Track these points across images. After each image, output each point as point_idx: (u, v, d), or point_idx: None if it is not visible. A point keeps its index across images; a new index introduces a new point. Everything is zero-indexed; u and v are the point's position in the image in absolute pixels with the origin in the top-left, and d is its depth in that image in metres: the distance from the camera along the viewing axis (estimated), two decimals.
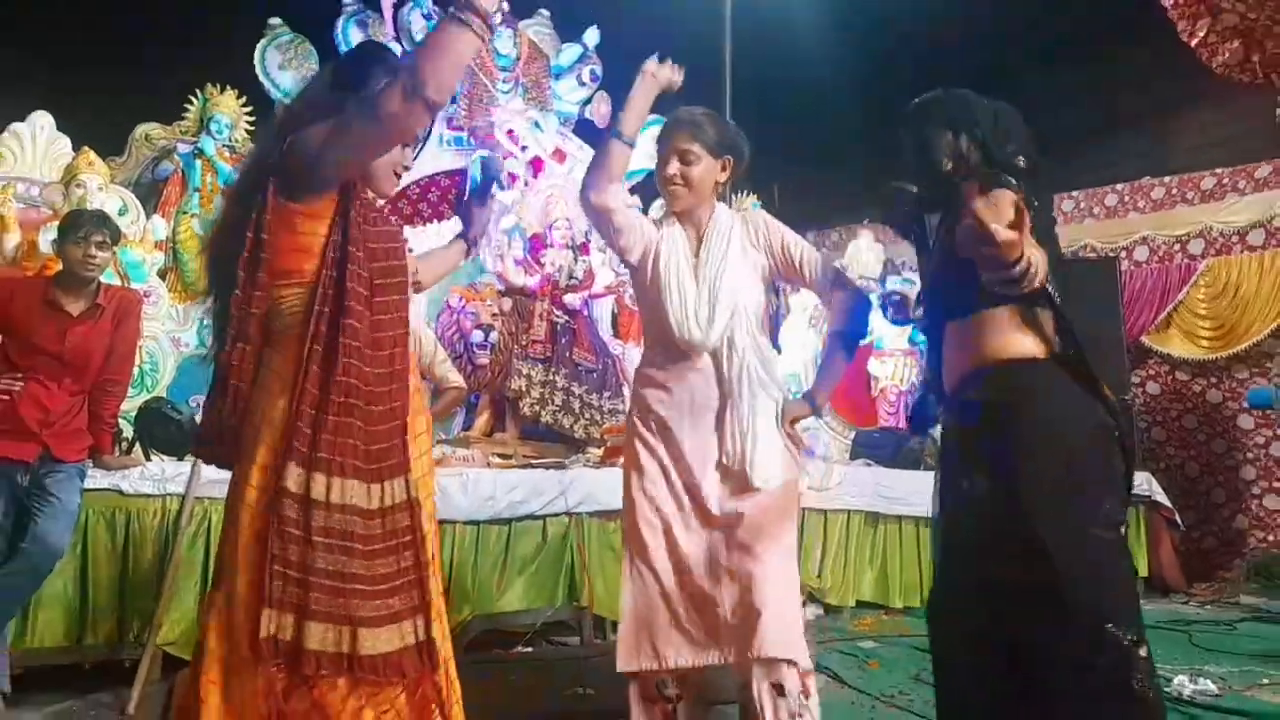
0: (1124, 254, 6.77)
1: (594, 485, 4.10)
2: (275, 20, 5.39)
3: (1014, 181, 1.66)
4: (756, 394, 2.23)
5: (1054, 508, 1.58)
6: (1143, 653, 1.55)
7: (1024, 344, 1.73)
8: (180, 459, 3.60)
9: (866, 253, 6.31)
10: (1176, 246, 6.64)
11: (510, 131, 5.87)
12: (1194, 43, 4.49)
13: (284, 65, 5.41)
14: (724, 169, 2.30)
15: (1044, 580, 1.53)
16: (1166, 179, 6.72)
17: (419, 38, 5.98)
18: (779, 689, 2.11)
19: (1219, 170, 6.48)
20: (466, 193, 5.50)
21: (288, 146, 1.65)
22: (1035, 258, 1.51)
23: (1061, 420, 1.66)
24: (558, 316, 5.30)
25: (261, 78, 5.36)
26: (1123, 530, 1.68)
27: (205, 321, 4.47)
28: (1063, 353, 1.71)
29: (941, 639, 1.80)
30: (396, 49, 5.90)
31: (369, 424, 1.63)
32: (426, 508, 1.74)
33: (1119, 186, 6.89)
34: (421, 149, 1.90)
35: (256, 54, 5.34)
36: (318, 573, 1.54)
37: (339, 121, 1.63)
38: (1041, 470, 1.62)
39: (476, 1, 1.51)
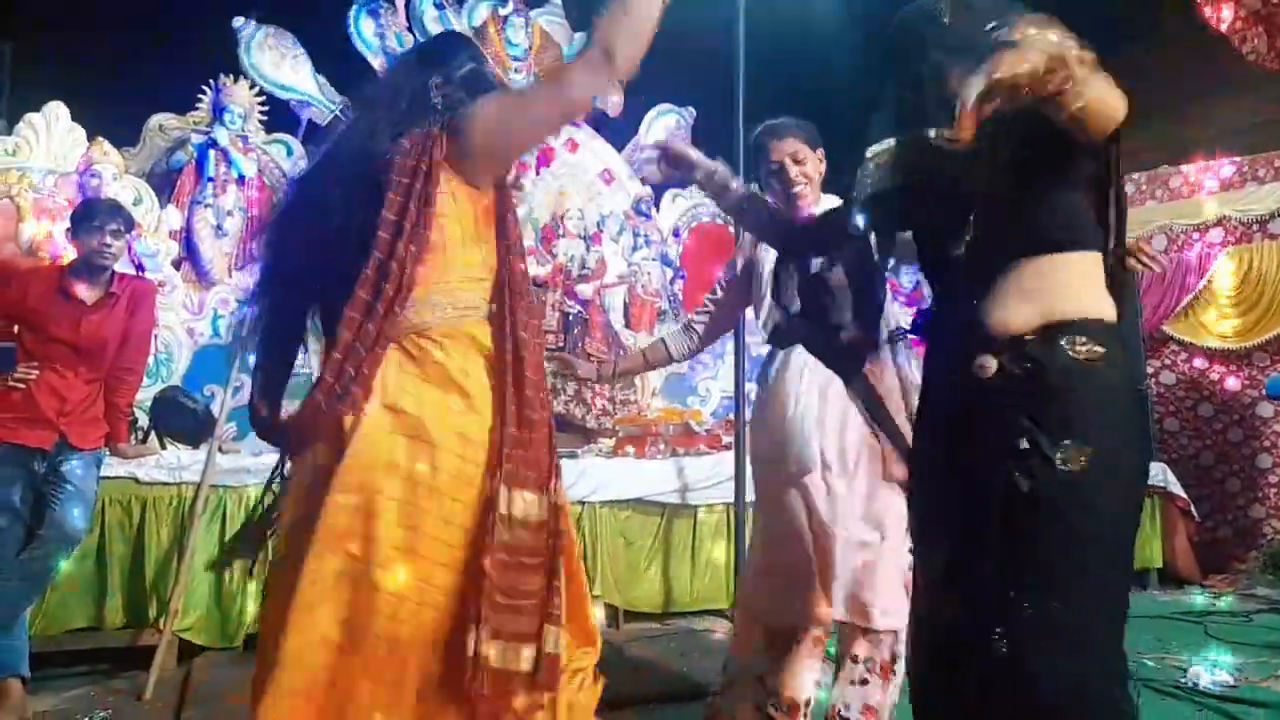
0: (1143, 243, 6.71)
1: (606, 475, 4.10)
2: (238, 21, 5.32)
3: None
4: None
5: (1106, 510, 1.32)
6: (1121, 689, 1.30)
7: (1108, 301, 1.39)
8: (195, 447, 3.63)
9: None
10: (1195, 235, 6.57)
11: None
12: (1224, 29, 4.43)
13: (277, 63, 5.39)
14: (821, 160, 2.42)
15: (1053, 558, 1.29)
16: (1184, 168, 6.64)
17: (431, 29, 5.97)
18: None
19: (1238, 159, 6.41)
20: None
21: (453, 125, 1.51)
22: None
23: (1125, 406, 1.38)
24: (570, 306, 5.30)
25: (261, 82, 5.33)
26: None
27: (219, 313, 4.54)
28: (1128, 321, 1.46)
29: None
30: (408, 39, 5.89)
31: (537, 431, 1.52)
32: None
33: (1136, 176, 6.81)
34: None
35: (244, 59, 5.28)
36: (514, 593, 1.42)
37: (512, 96, 1.54)
38: (1123, 463, 1.34)
39: None
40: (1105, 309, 1.37)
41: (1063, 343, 1.33)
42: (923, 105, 1.43)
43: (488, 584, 1.37)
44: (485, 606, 1.37)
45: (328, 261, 1.49)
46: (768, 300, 2.35)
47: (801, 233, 1.94)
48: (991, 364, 1.38)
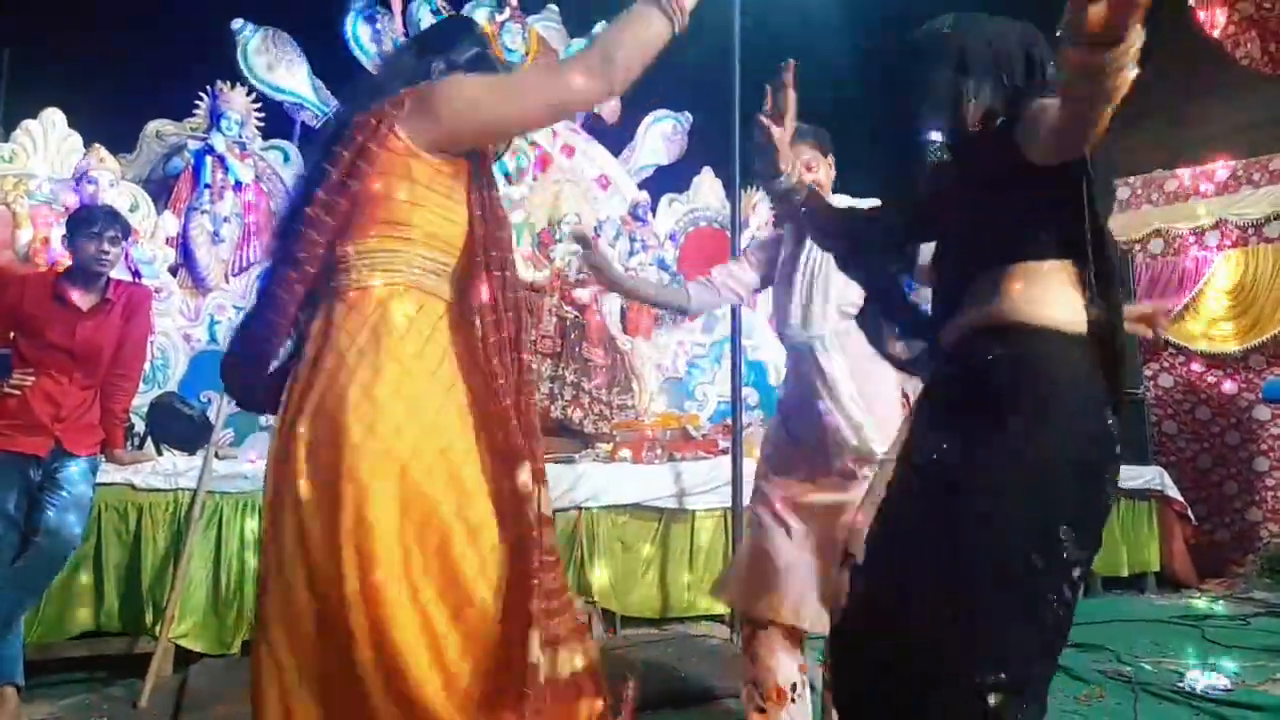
0: (1138, 247, 6.72)
1: (603, 480, 4.10)
2: (237, 22, 5.35)
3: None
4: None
5: (1001, 508, 1.30)
6: (992, 700, 1.23)
7: (1064, 309, 1.37)
8: (191, 454, 3.63)
9: None
10: (1191, 239, 6.59)
11: None
12: (1217, 33, 4.45)
13: (272, 65, 5.40)
14: (831, 166, 2.46)
15: (944, 576, 1.28)
16: (1180, 171, 6.67)
17: None
18: None
19: (1232, 162, 6.43)
20: None
21: (422, 91, 1.46)
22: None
23: (1068, 419, 1.33)
24: (567, 311, 5.30)
25: (256, 84, 5.34)
26: (1065, 588, 1.31)
27: (216, 319, 4.54)
28: (1100, 338, 1.38)
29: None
30: None
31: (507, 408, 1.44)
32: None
33: (1132, 180, 6.83)
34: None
35: (240, 61, 5.30)
36: (548, 594, 1.38)
37: (499, 77, 1.50)
38: (1016, 459, 1.31)
39: None
40: (1050, 314, 1.37)
41: (981, 343, 1.40)
42: (933, 120, 1.48)
43: (537, 588, 1.32)
44: (536, 611, 1.31)
45: None
46: (797, 298, 2.40)
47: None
48: (930, 367, 1.49)
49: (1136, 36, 1.08)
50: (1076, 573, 1.30)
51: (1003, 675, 1.24)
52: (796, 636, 2.19)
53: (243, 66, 5.28)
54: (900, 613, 1.30)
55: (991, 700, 1.23)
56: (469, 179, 1.50)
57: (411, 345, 1.40)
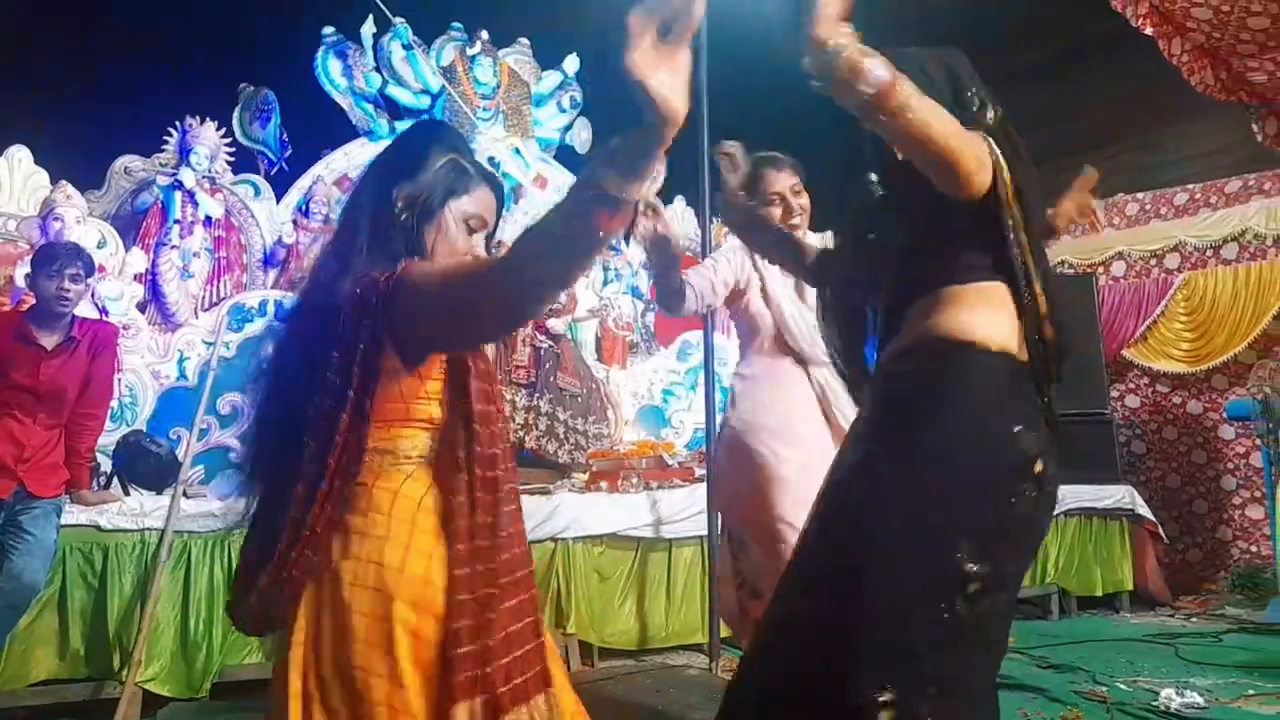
0: (1101, 269, 6.85)
1: (579, 510, 4.08)
2: (243, 85, 5.54)
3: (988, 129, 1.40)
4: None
5: (893, 520, 1.30)
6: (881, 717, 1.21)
7: (987, 325, 1.39)
8: (159, 492, 3.57)
9: None
10: (1153, 261, 6.72)
11: (491, 159, 5.91)
12: (1175, 61, 4.58)
13: (253, 120, 5.56)
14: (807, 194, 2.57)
15: (843, 604, 1.27)
16: (1140, 195, 6.81)
17: (399, 70, 6.02)
18: None
19: (1190, 185, 6.59)
20: None
21: (391, 293, 1.23)
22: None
23: (975, 435, 1.33)
24: (541, 341, 5.30)
25: (239, 135, 5.51)
26: (959, 601, 1.27)
27: (185, 355, 4.49)
28: (1031, 360, 1.39)
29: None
30: (376, 80, 5.93)
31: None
32: None
33: (1094, 203, 6.98)
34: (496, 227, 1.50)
35: (235, 125, 5.48)
36: None
37: (440, 282, 1.24)
38: (915, 471, 1.32)
39: (615, 189, 1.01)
40: (969, 331, 1.39)
41: (899, 358, 1.46)
42: (870, 152, 1.55)
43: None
44: None
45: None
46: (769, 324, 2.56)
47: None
48: (864, 386, 1.57)
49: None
50: (973, 587, 1.27)
51: (885, 690, 1.21)
52: None
53: (236, 128, 5.54)
54: (802, 618, 1.34)
55: (881, 716, 1.20)
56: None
57: None
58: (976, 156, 1.32)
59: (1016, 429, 1.34)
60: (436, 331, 1.25)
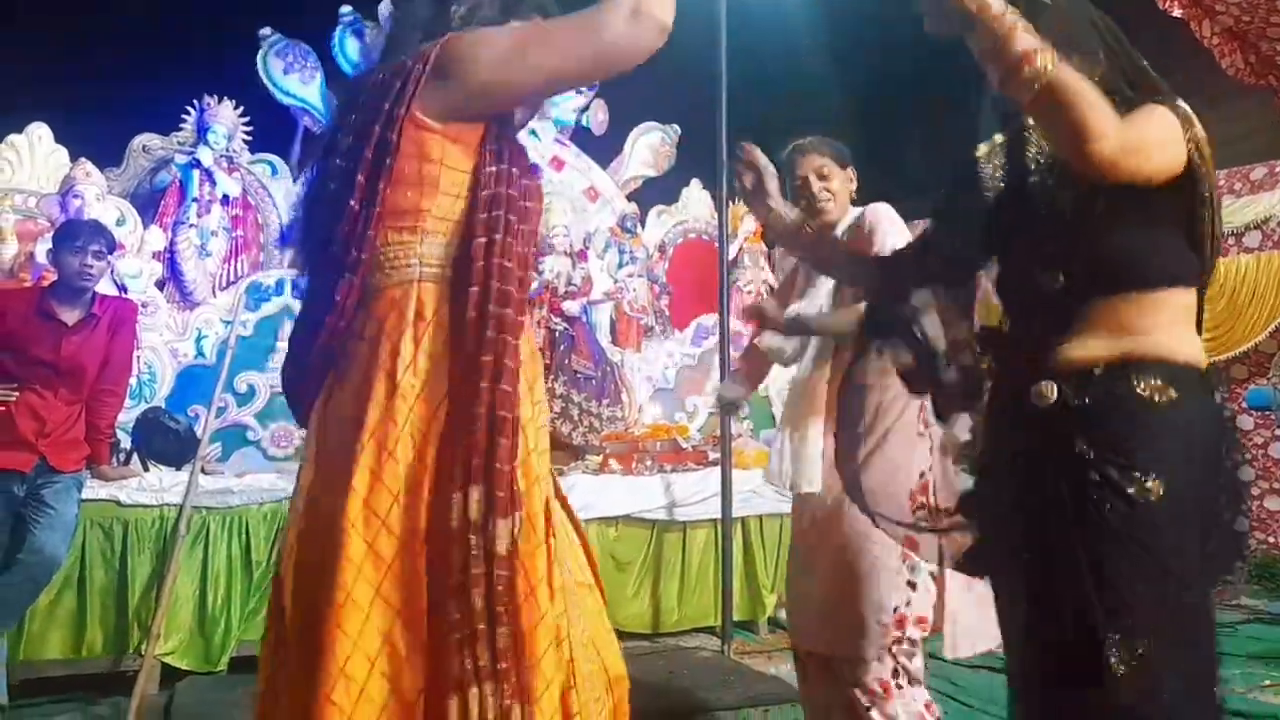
0: None
1: (593, 493, 4.09)
2: (266, 30, 5.43)
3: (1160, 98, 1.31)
4: None
5: (1164, 546, 1.28)
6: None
7: (1196, 345, 1.35)
8: (178, 469, 3.60)
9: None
10: None
11: None
12: (1206, 44, 4.52)
13: (288, 70, 5.46)
14: (851, 179, 2.49)
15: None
16: None
17: None
18: None
19: (1216, 172, 6.50)
20: None
21: (443, 50, 1.26)
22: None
23: (1213, 465, 1.35)
24: (556, 323, 5.30)
25: (269, 85, 5.41)
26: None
27: (204, 333, 4.51)
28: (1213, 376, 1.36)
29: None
30: None
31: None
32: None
33: None
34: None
35: (259, 63, 5.38)
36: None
37: (525, 29, 1.32)
38: (1201, 506, 1.32)
39: None
40: (1186, 349, 1.34)
41: (1132, 380, 1.31)
42: (1002, 109, 1.45)
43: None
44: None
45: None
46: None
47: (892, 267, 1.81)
48: (1051, 391, 1.35)
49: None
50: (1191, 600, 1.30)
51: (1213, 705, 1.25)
52: None
53: (259, 66, 5.39)
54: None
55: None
56: (480, 143, 1.31)
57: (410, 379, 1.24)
58: (1144, 136, 1.25)
59: (1237, 457, 1.39)
60: (500, 73, 1.25)
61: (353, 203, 1.25)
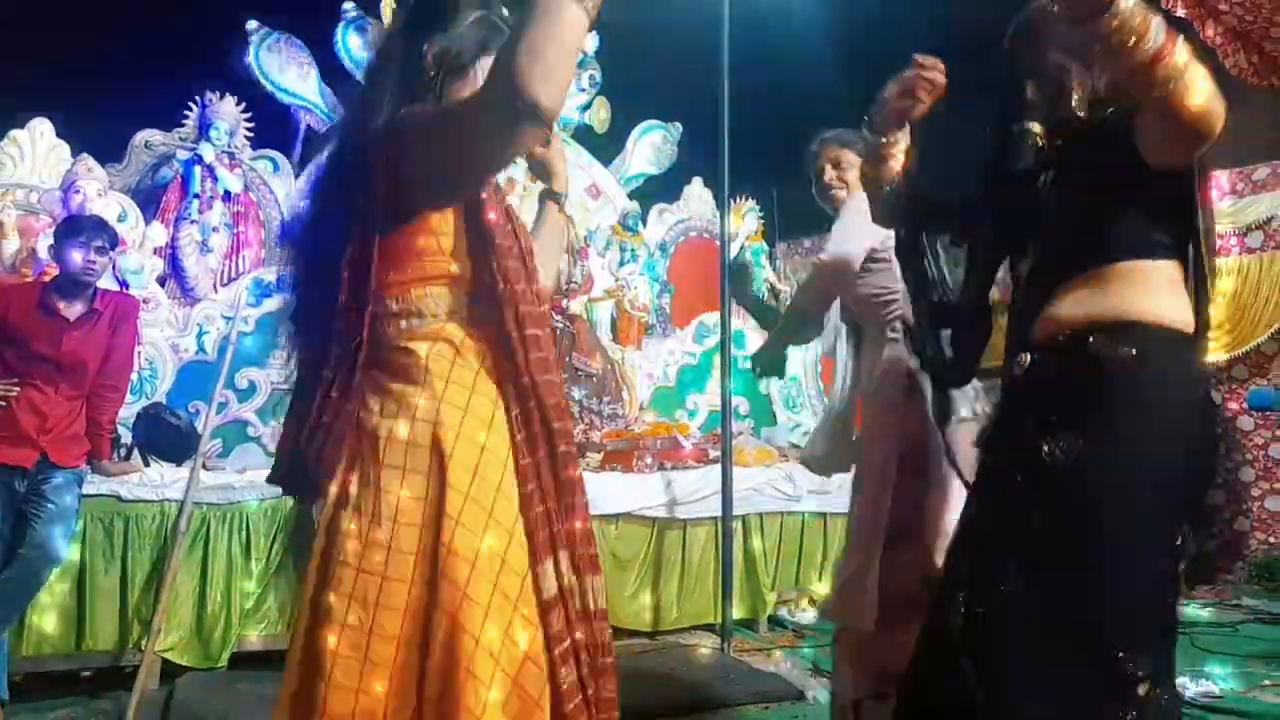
0: None
1: (593, 490, 4.05)
2: (253, 24, 5.38)
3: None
4: None
5: (1133, 509, 1.32)
6: (1141, 690, 1.27)
7: (1178, 309, 1.36)
8: (179, 465, 3.60)
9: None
10: None
11: None
12: (1210, 45, 4.52)
13: (284, 66, 5.44)
14: None
15: (1083, 587, 1.30)
16: None
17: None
18: None
19: (1216, 172, 6.48)
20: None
21: (390, 138, 1.25)
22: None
23: (1188, 422, 1.36)
24: (557, 321, 5.29)
25: (269, 86, 5.38)
26: (1179, 566, 1.39)
27: (205, 329, 4.51)
28: (1202, 338, 1.39)
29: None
30: None
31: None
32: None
33: None
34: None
35: (253, 62, 5.35)
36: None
37: (435, 121, 1.28)
38: (1150, 466, 1.32)
39: None
40: (1166, 314, 1.35)
41: (1093, 340, 1.34)
42: (1035, 100, 1.47)
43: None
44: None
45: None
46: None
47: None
48: (1026, 360, 1.41)
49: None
50: (1183, 565, 1.37)
51: (1143, 665, 1.28)
52: None
53: (253, 65, 5.31)
54: (1026, 594, 1.30)
55: (1140, 690, 1.27)
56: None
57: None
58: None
59: (1219, 408, 1.42)
60: (435, 168, 1.25)
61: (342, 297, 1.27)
